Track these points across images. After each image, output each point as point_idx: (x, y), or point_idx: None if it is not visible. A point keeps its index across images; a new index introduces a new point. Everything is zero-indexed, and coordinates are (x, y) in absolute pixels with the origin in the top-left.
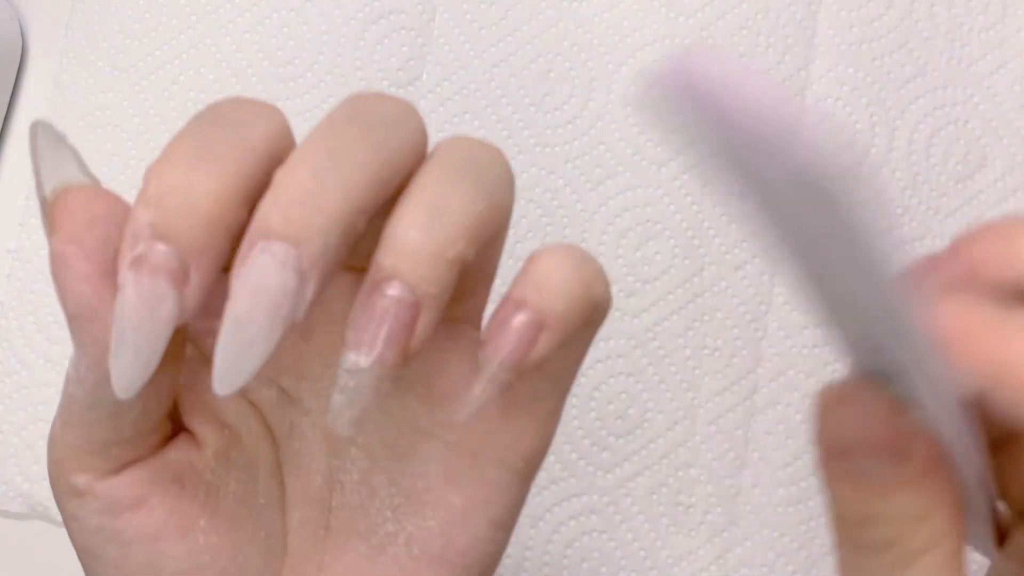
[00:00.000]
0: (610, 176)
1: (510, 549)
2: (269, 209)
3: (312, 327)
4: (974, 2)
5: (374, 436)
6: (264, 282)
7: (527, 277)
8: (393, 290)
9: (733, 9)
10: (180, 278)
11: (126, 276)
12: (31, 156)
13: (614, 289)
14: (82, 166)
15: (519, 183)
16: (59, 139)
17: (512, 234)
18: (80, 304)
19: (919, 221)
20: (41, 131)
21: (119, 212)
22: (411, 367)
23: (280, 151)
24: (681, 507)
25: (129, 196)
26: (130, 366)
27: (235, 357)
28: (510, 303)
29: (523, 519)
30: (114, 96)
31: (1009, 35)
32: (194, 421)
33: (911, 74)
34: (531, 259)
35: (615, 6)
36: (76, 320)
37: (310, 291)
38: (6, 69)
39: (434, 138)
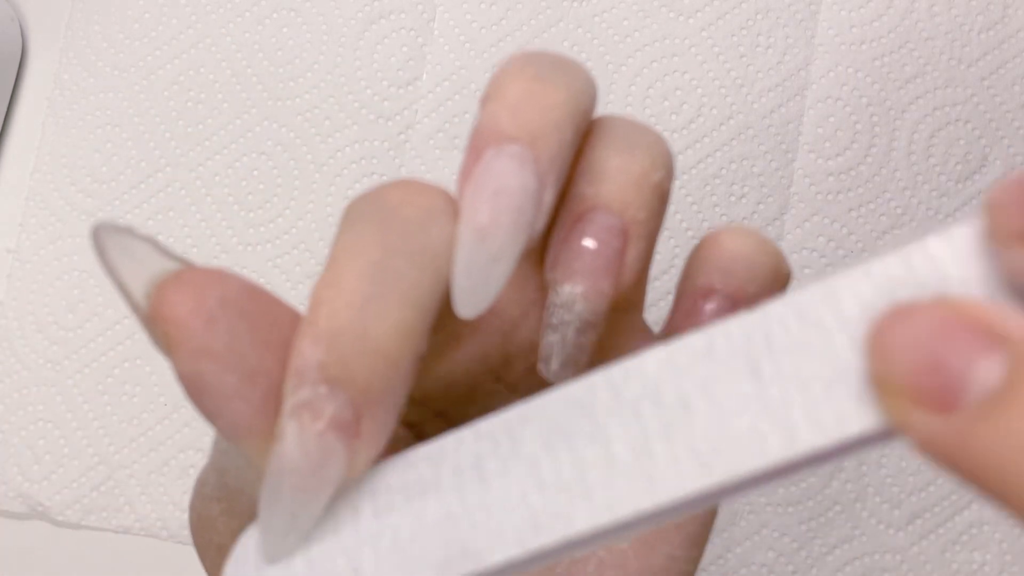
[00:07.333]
0: None
1: None
2: (497, 112)
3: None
4: (974, 2)
5: None
6: (505, 183)
7: (709, 262)
8: (599, 217)
9: (733, 9)
10: (350, 431)
11: (287, 425)
12: (104, 267)
13: None
14: (163, 251)
15: None
16: (128, 233)
17: None
18: (237, 426)
19: (919, 221)
20: (105, 235)
21: (232, 289)
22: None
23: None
24: None
25: (129, 196)
26: (282, 532)
27: (481, 274)
28: (696, 292)
29: None
30: (114, 96)
31: (1009, 35)
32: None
33: (911, 74)
34: (708, 241)
35: (615, 6)
36: (236, 440)
37: (548, 198)
38: (6, 69)
39: (432, 139)
